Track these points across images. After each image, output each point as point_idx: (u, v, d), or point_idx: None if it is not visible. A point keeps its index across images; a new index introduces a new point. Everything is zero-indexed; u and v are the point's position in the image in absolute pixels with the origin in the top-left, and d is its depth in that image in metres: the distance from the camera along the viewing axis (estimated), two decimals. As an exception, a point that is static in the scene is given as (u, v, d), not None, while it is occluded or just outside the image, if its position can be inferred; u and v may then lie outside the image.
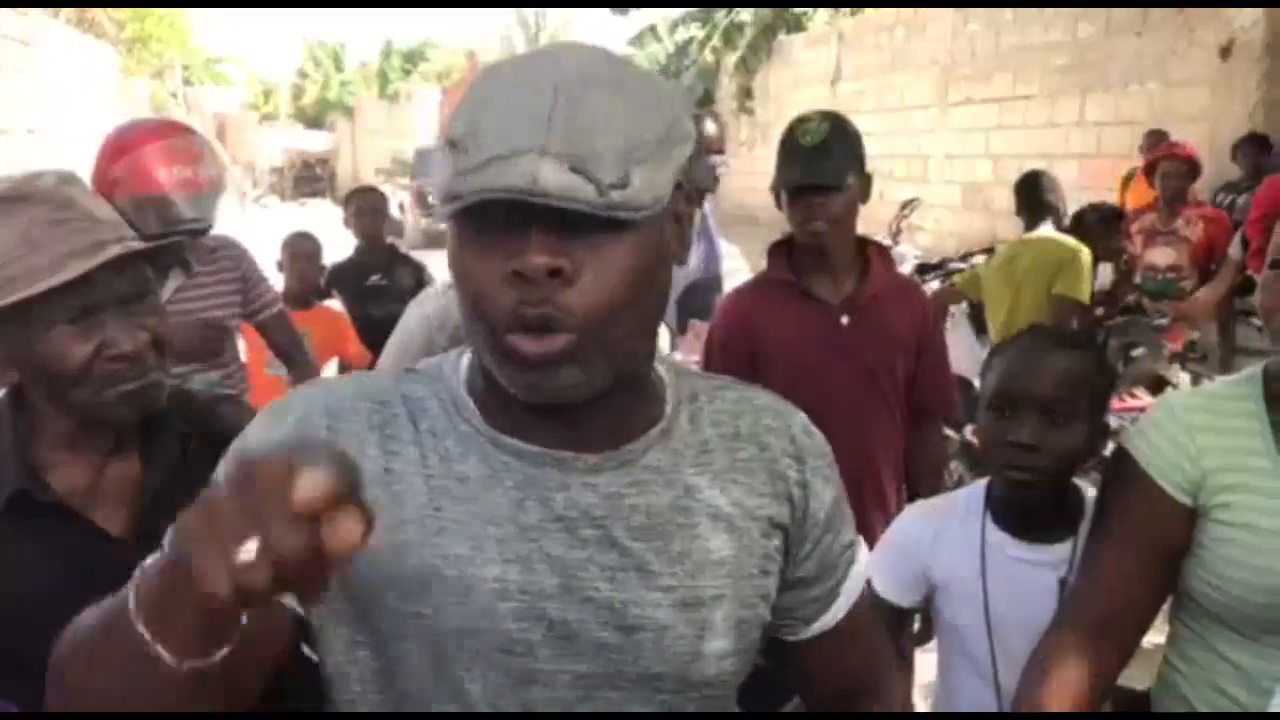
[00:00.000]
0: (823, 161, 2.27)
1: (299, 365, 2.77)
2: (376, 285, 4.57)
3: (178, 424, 1.40)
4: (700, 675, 0.93)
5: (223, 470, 0.89)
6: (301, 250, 4.33)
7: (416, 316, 2.19)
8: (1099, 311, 4.93)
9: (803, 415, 1.06)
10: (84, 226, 1.28)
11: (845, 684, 1.13)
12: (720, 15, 18.06)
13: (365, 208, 4.76)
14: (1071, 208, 4.80)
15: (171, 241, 1.53)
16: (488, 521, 0.88)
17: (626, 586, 0.90)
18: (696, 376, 1.05)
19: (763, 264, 2.55)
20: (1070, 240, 4.44)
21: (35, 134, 11.83)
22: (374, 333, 3.73)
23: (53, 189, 1.31)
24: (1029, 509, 1.62)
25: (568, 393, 0.85)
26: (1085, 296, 4.30)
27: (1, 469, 1.30)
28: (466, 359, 0.98)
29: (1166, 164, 5.77)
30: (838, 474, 1.06)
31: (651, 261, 0.86)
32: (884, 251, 2.52)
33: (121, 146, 2.36)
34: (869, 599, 1.14)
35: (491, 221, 0.81)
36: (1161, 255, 5.66)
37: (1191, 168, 5.79)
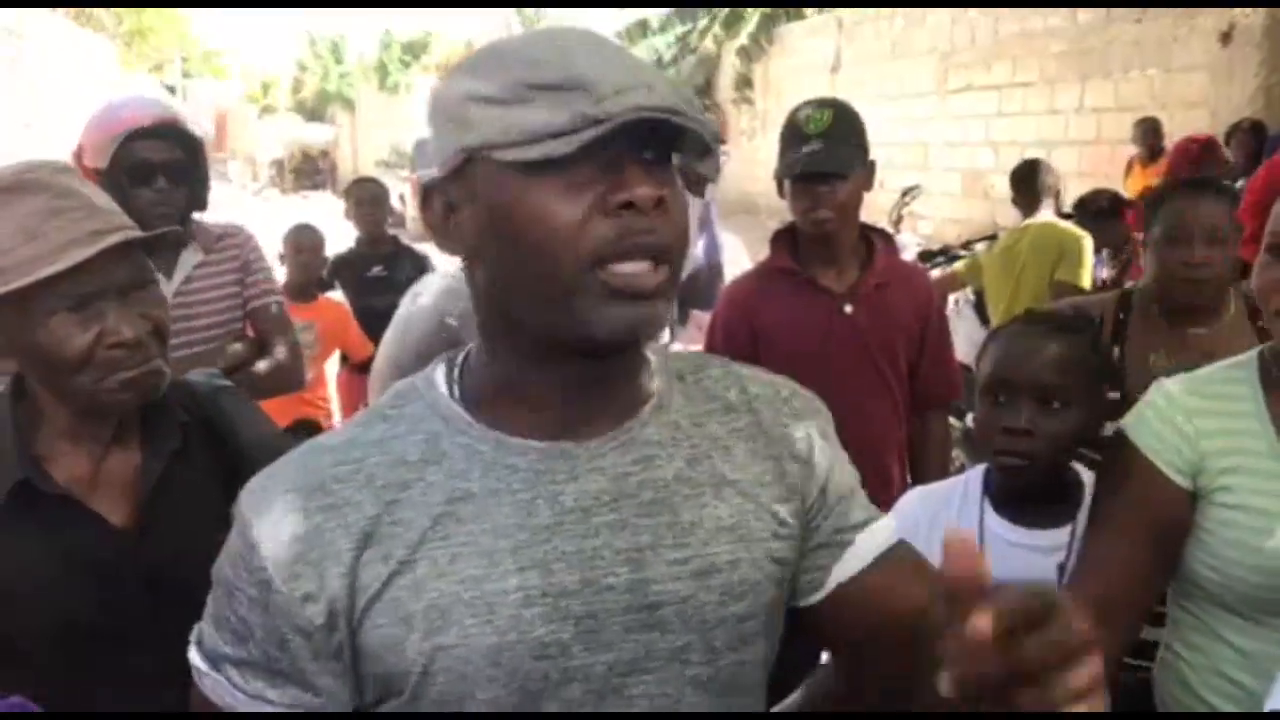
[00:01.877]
0: (826, 149, 2.27)
1: (275, 357, 2.69)
2: (378, 276, 4.57)
3: (178, 414, 1.41)
4: (725, 640, 0.93)
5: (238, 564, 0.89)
6: (304, 242, 4.33)
7: (417, 309, 2.18)
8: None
9: (789, 380, 1.07)
10: (83, 215, 1.29)
11: (887, 634, 1.01)
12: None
13: (365, 198, 4.76)
14: (1072, 194, 4.79)
15: (171, 230, 1.53)
16: (498, 534, 0.88)
17: (643, 565, 0.90)
18: (679, 357, 1.06)
19: (763, 254, 2.55)
20: (1071, 226, 4.43)
21: (31, 128, 11.83)
22: (375, 324, 3.72)
23: (50, 178, 1.31)
24: (1026, 494, 1.63)
25: (651, 327, 0.87)
26: (1086, 283, 4.30)
27: (3, 460, 1.30)
28: (441, 371, 0.97)
29: (1210, 167, 5.71)
30: (833, 428, 1.06)
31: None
32: (888, 239, 2.52)
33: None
34: (907, 558, 1.05)
35: (575, 161, 0.82)
36: None
37: (1216, 155, 5.75)
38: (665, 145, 0.87)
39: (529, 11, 30.20)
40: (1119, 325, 2.23)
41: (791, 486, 0.99)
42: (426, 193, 0.93)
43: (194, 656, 0.92)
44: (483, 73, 0.86)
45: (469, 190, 0.88)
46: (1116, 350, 2.20)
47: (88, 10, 15.82)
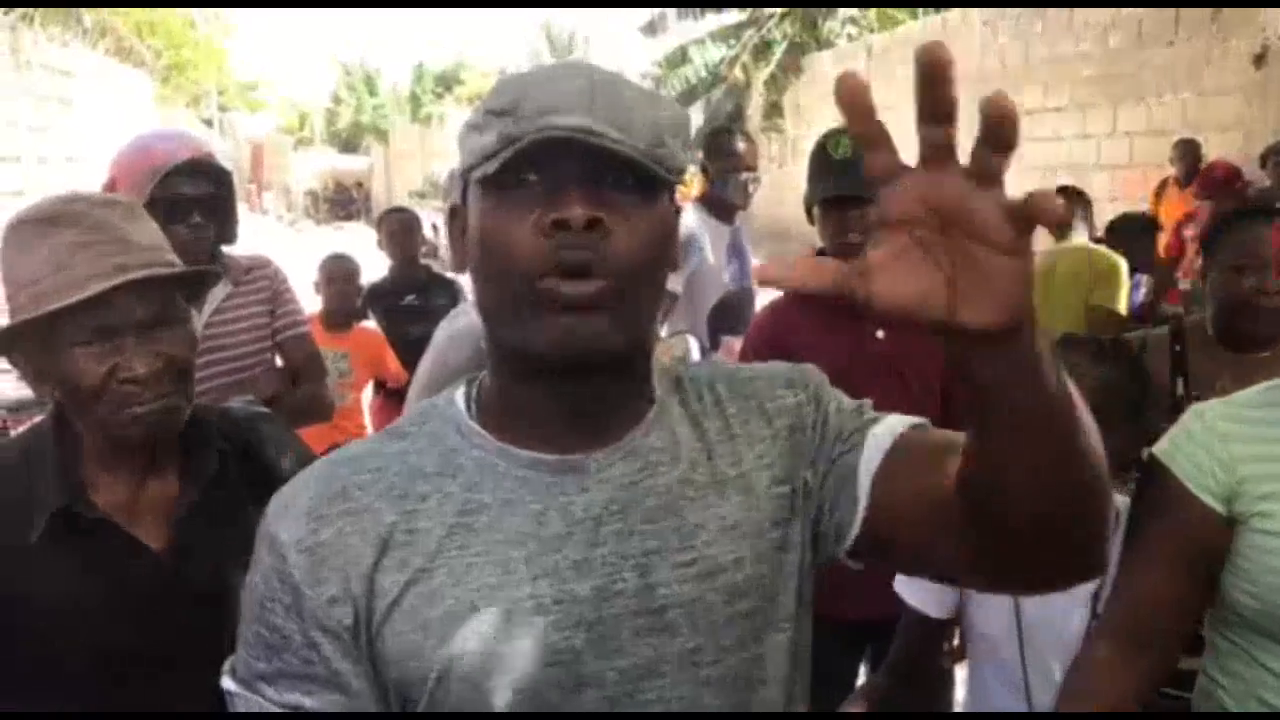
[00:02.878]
0: (856, 173, 2.27)
1: (310, 391, 2.74)
2: (411, 305, 4.61)
3: (217, 441, 1.43)
4: (735, 639, 0.94)
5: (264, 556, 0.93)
6: (339, 272, 4.38)
7: (454, 334, 2.20)
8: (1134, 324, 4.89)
9: (696, 345, 1.09)
10: (110, 250, 1.32)
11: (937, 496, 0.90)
12: (749, 33, 18.09)
13: (398, 228, 4.80)
14: (1104, 219, 4.76)
15: (203, 270, 1.56)
16: (512, 543, 0.91)
17: (650, 570, 0.92)
18: (670, 368, 1.06)
19: (794, 280, 2.54)
20: (1107, 251, 4.41)
21: (74, 162, 12.05)
22: (410, 352, 3.76)
23: (85, 211, 1.35)
24: None
25: (597, 341, 0.88)
26: (1122, 307, 4.27)
27: (46, 485, 1.32)
28: (460, 392, 1.01)
29: (1224, 200, 5.66)
30: (825, 382, 1.06)
31: (666, 237, 0.93)
32: None
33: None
34: (922, 441, 0.97)
35: (526, 182, 0.88)
36: None
37: (1235, 187, 5.72)
38: (629, 170, 0.89)
39: (560, 37, 30.46)
40: (1177, 358, 2.22)
41: (797, 454, 1.00)
42: (452, 215, 1.00)
43: (227, 683, 0.94)
44: (481, 102, 0.93)
45: (466, 212, 0.95)
46: (1180, 382, 2.18)
47: (128, 45, 16.13)
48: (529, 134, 0.86)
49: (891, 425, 0.98)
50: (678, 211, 0.98)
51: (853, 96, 0.67)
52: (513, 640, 0.89)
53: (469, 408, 1.00)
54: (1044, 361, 0.74)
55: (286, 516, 0.93)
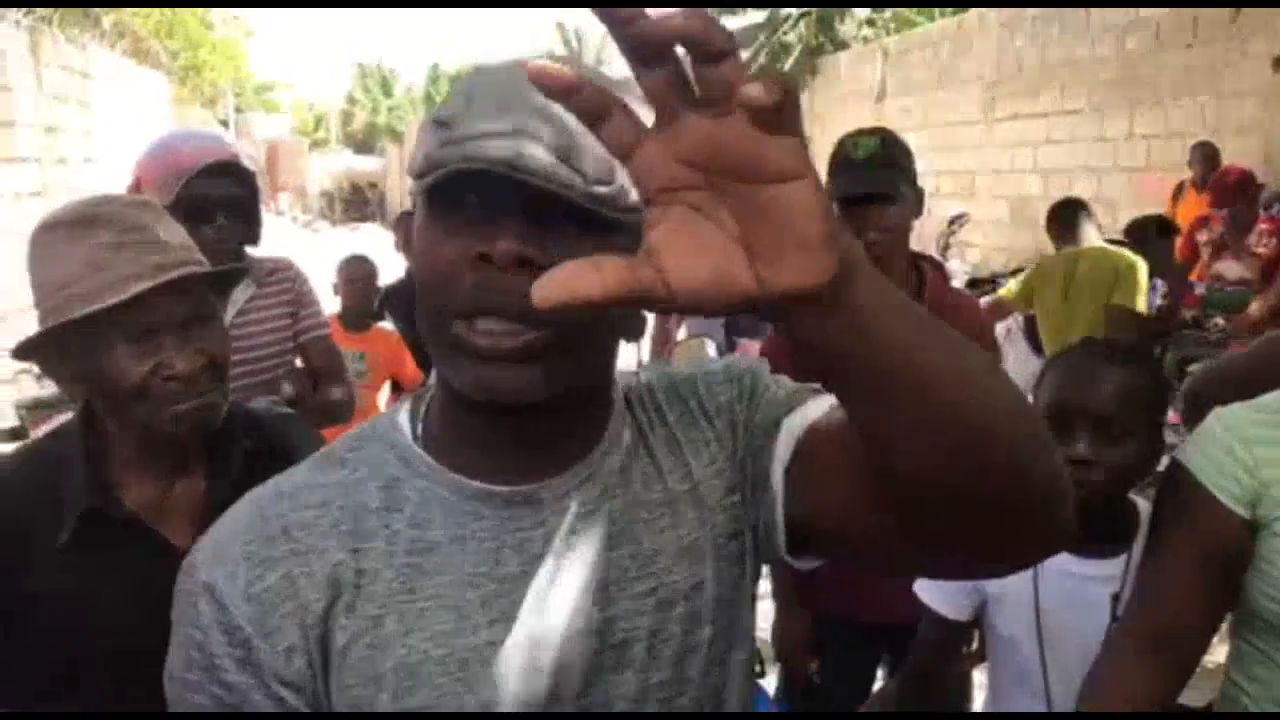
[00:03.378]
0: (875, 172, 2.27)
1: (332, 390, 2.76)
2: None
3: (243, 441, 1.44)
4: (699, 668, 0.90)
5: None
6: (357, 273, 4.40)
7: None
8: (1155, 325, 4.88)
9: (714, 349, 1.04)
10: (147, 250, 1.33)
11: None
12: (764, 36, 18.08)
13: None
14: (1121, 222, 4.76)
15: (235, 268, 1.57)
16: (465, 585, 0.84)
17: (610, 603, 0.87)
18: (625, 374, 1.00)
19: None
20: (1126, 252, 4.40)
21: (92, 163, 12.11)
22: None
23: (120, 212, 1.36)
24: (1082, 523, 1.61)
25: (521, 395, 0.80)
26: (1142, 307, 4.26)
27: (74, 486, 1.34)
28: (405, 411, 0.93)
29: (1241, 204, 5.65)
30: (763, 366, 0.99)
31: None
32: (939, 268, 2.51)
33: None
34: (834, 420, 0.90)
35: (464, 204, 0.79)
36: (1231, 268, 5.56)
37: (1251, 192, 5.71)
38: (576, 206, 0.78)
39: (571, 34, 30.45)
40: None
41: (741, 452, 0.93)
42: (399, 221, 0.91)
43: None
44: (449, 94, 0.83)
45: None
46: None
47: (146, 47, 16.22)
48: (453, 161, 0.77)
49: (807, 411, 0.89)
50: None
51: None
52: (472, 691, 0.83)
53: (414, 429, 0.91)
54: (886, 309, 0.63)
55: (223, 563, 0.83)
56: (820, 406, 0.90)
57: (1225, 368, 2.24)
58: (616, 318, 0.86)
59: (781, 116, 0.54)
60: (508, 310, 0.78)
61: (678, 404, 0.95)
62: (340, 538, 0.84)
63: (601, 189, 0.78)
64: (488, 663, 0.83)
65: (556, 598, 0.86)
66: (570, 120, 0.72)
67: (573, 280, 0.56)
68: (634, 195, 0.73)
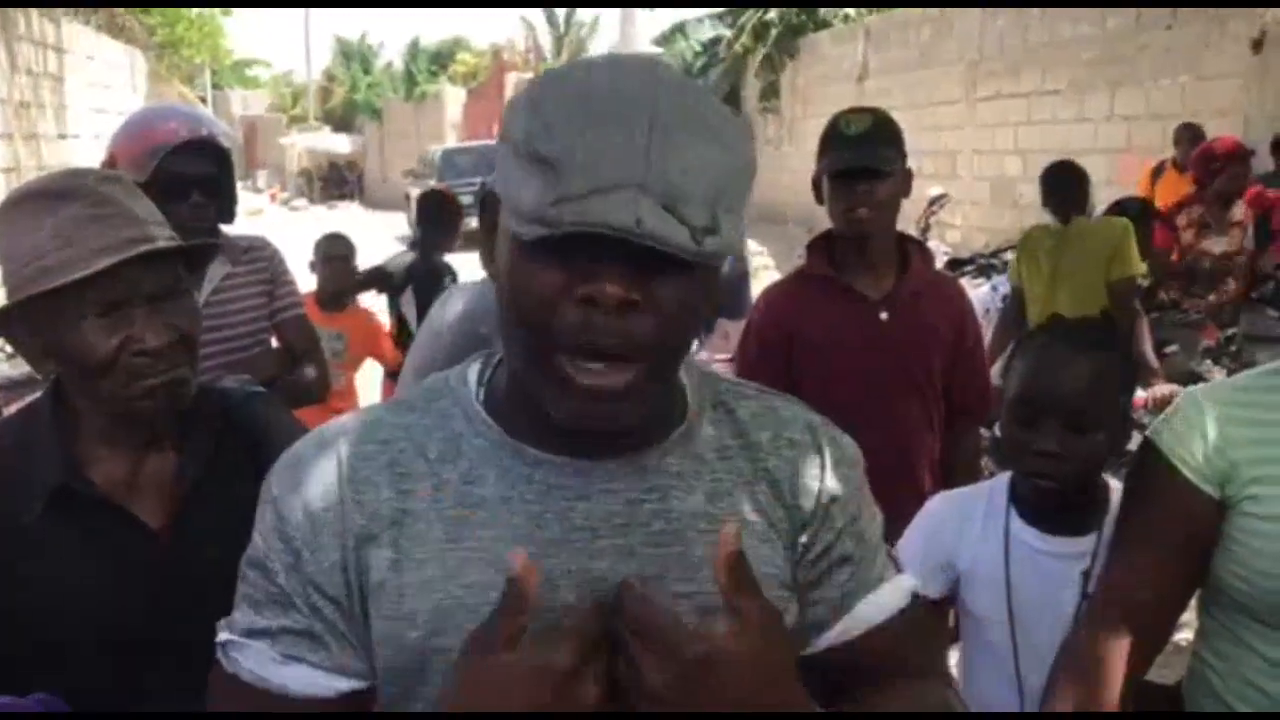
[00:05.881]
0: (868, 147, 2.28)
1: (307, 369, 2.75)
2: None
3: (213, 419, 1.43)
4: None
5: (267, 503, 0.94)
6: (334, 252, 4.38)
7: (450, 317, 2.20)
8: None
9: (833, 427, 1.04)
10: (118, 223, 1.32)
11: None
12: (747, 13, 18.02)
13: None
14: (1101, 203, 4.77)
15: (207, 243, 1.56)
16: (507, 543, 0.88)
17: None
18: (719, 380, 1.04)
19: (789, 262, 2.56)
20: (1113, 219, 4.41)
21: (66, 139, 11.97)
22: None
23: (91, 186, 1.34)
24: (1053, 506, 1.62)
25: (614, 425, 0.85)
26: (1138, 267, 4.28)
27: (43, 463, 1.33)
28: (475, 370, 0.98)
29: (1236, 168, 5.65)
30: (865, 479, 1.04)
31: (707, 298, 0.88)
32: (923, 248, 2.52)
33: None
34: (912, 626, 1.05)
35: (564, 238, 0.80)
36: (1216, 244, 5.57)
37: (1244, 156, 5.72)
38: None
39: (559, 15, 30.28)
40: None
41: (811, 540, 0.98)
42: (483, 205, 0.94)
43: (224, 635, 0.94)
44: (526, 110, 0.83)
45: (496, 221, 0.89)
46: None
47: (121, 21, 16.00)
48: (568, 223, 0.78)
49: (880, 602, 1.01)
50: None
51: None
52: None
53: (479, 391, 0.97)
54: None
55: (291, 479, 0.93)
56: (889, 601, 1.01)
57: None
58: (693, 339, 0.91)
59: None
60: (612, 351, 0.82)
61: (776, 455, 0.99)
62: (394, 477, 0.91)
63: (709, 240, 0.80)
64: None
65: (594, 574, 0.90)
66: (676, 161, 0.78)
67: None
68: (733, 242, 0.83)
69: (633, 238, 0.77)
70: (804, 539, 0.98)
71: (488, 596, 0.86)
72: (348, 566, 0.89)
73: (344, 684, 0.91)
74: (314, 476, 0.92)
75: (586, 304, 0.80)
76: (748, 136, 0.89)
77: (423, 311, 4.43)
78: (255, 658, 0.91)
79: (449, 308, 2.24)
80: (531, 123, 0.81)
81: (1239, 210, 5.60)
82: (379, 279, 4.69)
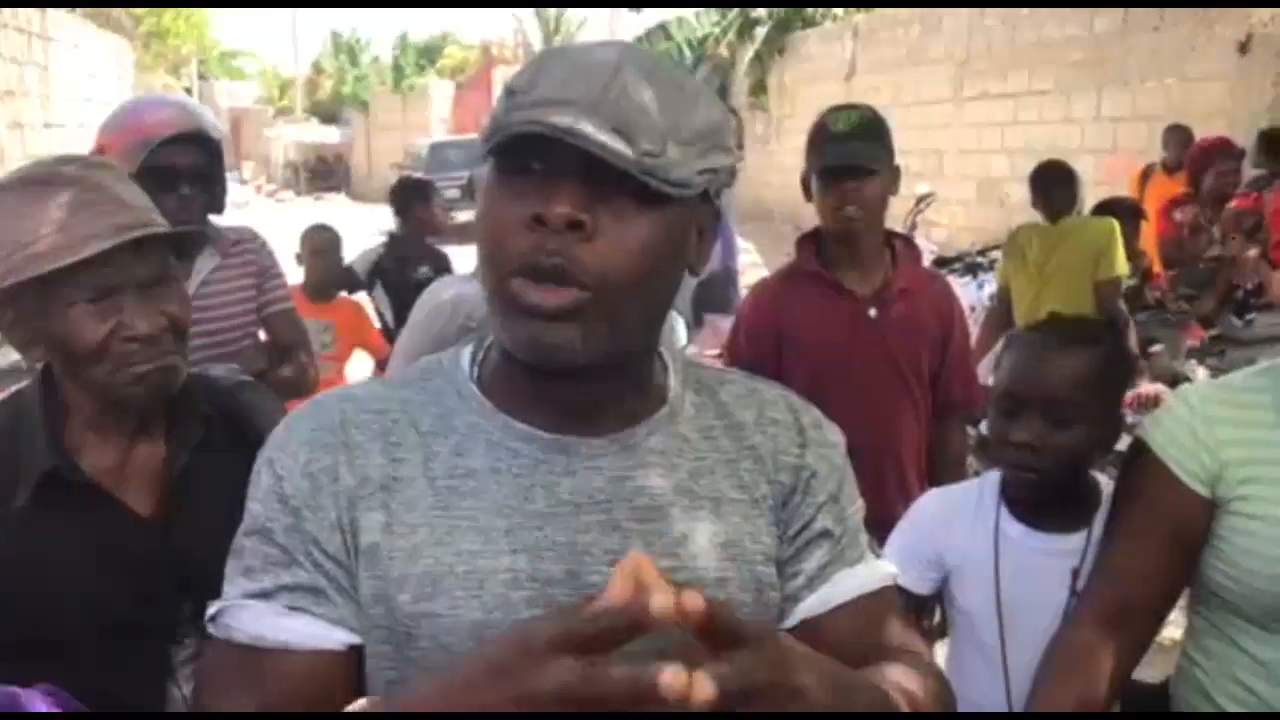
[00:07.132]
0: (856, 145, 2.28)
1: (296, 363, 2.75)
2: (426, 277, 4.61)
3: (202, 407, 1.43)
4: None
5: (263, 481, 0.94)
6: (321, 243, 4.36)
7: (437, 307, 2.20)
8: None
9: (815, 409, 1.06)
10: (108, 210, 1.31)
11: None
12: (735, 11, 18.02)
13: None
14: (1087, 203, 4.78)
15: (198, 229, 1.55)
16: (496, 513, 0.91)
17: None
18: (703, 368, 1.07)
19: (777, 259, 2.56)
20: (1100, 219, 4.43)
21: (52, 128, 11.90)
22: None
23: (81, 173, 1.34)
24: (1041, 500, 1.63)
25: (563, 352, 0.87)
26: (1124, 268, 4.30)
27: (33, 449, 1.32)
28: (467, 352, 1.01)
29: (1222, 164, 5.67)
30: (848, 464, 1.05)
31: (669, 247, 0.90)
32: (911, 245, 2.53)
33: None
34: (892, 607, 1.05)
35: (528, 170, 0.86)
36: (1211, 247, 5.58)
37: (1231, 153, 5.74)
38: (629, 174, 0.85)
39: (550, 14, 30.23)
40: None
41: (791, 515, 0.99)
42: (469, 182, 0.97)
43: (214, 608, 0.93)
44: (524, 68, 0.91)
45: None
46: None
47: (106, 12, 15.92)
48: (514, 125, 0.84)
49: (854, 579, 1.00)
50: (717, 215, 0.96)
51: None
52: (485, 610, 0.89)
53: (472, 371, 0.99)
54: None
55: (288, 443, 0.94)
56: (858, 583, 1.00)
57: None
58: (660, 302, 0.93)
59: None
60: (557, 271, 0.85)
61: (759, 433, 1.00)
62: (383, 443, 0.93)
63: (650, 160, 0.84)
64: (502, 586, 0.89)
65: (578, 546, 0.91)
66: (629, 101, 0.84)
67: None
68: (682, 170, 0.86)
69: (567, 138, 0.82)
70: (784, 514, 1.00)
71: (475, 565, 0.89)
72: (343, 527, 0.91)
73: (349, 637, 0.91)
74: (310, 439, 0.94)
75: (537, 225, 0.84)
76: (723, 116, 0.93)
77: (395, 299, 4.43)
78: (252, 618, 0.91)
79: (439, 296, 2.24)
80: (516, 76, 0.90)
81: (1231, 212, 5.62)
82: (347, 280, 4.66)
